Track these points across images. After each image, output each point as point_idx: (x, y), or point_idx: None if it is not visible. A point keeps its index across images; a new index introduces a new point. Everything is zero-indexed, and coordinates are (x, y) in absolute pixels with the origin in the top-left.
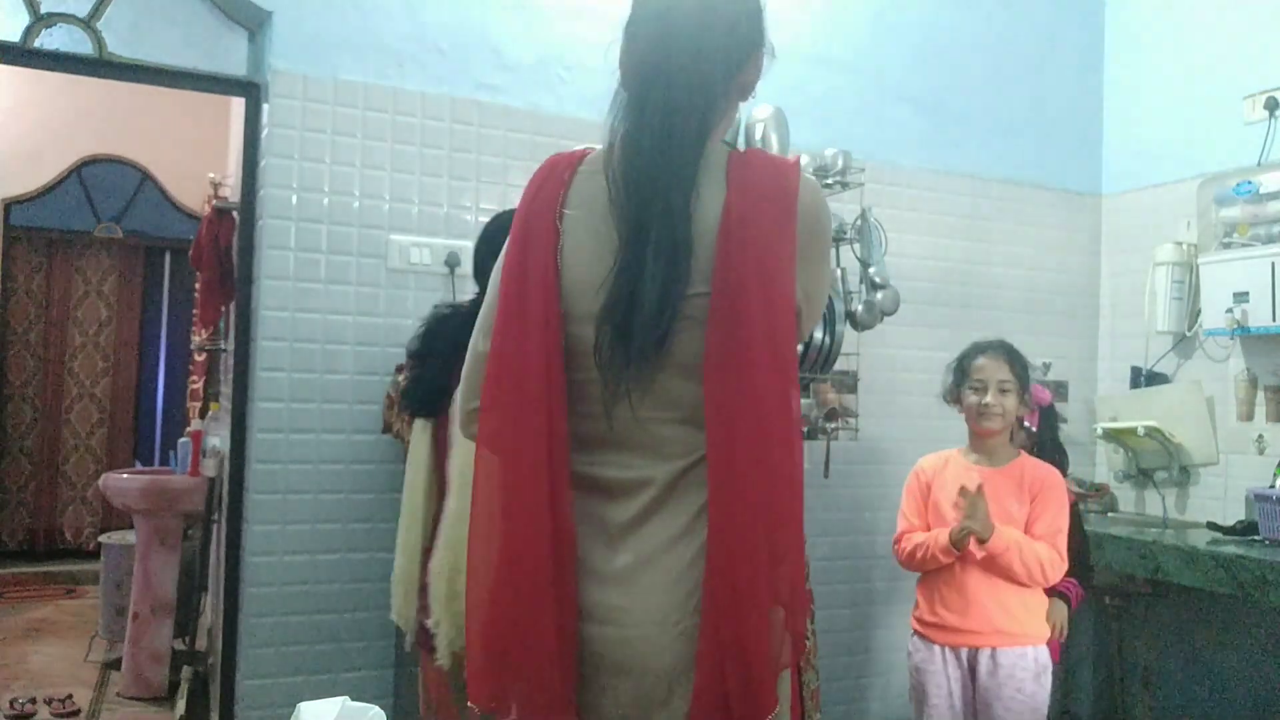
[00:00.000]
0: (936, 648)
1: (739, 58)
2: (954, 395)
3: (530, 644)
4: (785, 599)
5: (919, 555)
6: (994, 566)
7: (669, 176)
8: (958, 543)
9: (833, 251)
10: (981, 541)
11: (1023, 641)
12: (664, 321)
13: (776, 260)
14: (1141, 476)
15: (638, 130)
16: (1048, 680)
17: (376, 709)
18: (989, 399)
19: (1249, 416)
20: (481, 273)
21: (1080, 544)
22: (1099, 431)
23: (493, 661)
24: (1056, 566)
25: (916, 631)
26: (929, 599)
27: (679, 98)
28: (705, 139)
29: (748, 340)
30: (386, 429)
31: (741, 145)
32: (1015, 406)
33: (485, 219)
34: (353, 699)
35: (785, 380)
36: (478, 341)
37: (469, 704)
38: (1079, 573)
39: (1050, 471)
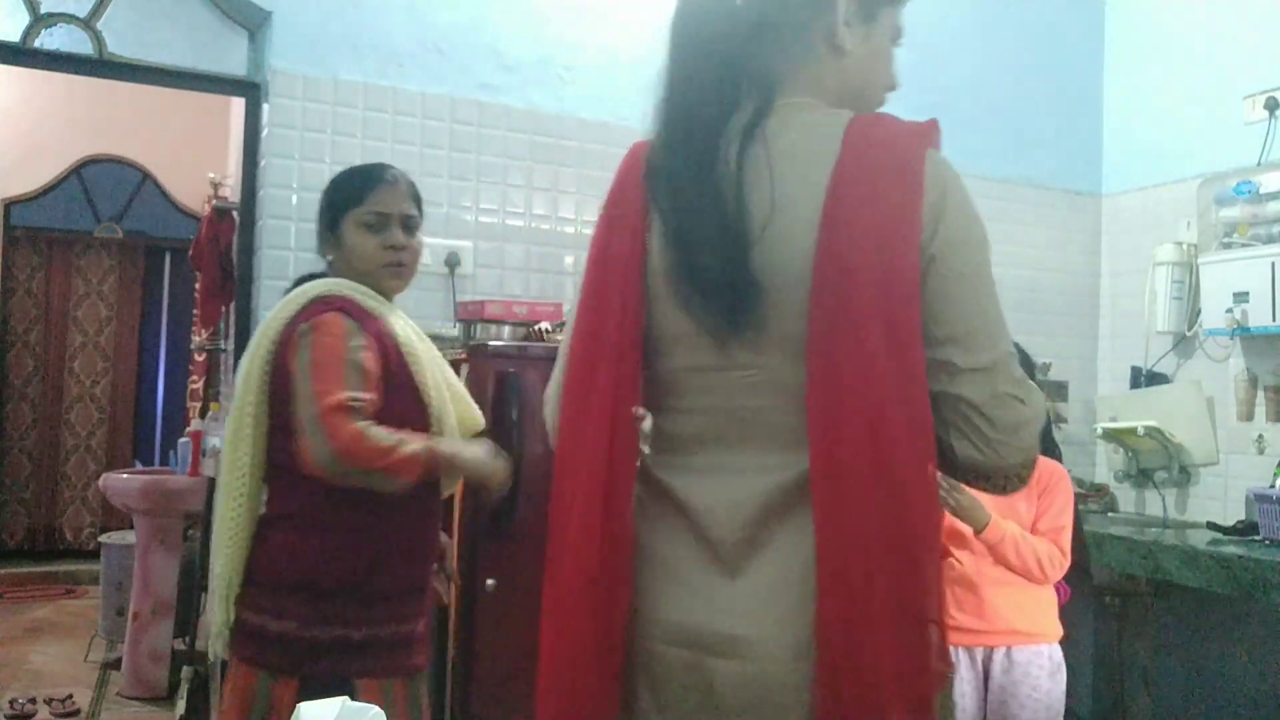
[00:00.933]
0: (952, 650)
1: (801, 14)
2: None
3: (575, 666)
4: (934, 614)
5: None
6: (993, 559)
7: (699, 144)
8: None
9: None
10: (976, 532)
11: (1038, 640)
12: (726, 294)
13: (896, 229)
14: (1141, 476)
15: (668, 102)
16: (1063, 678)
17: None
18: None
19: (1249, 416)
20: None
21: (1079, 546)
22: (1099, 431)
23: (548, 686)
24: (1057, 562)
25: None
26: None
27: (709, 65)
28: (750, 114)
29: (857, 318)
30: None
31: None
32: None
33: (485, 219)
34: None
35: (904, 365)
36: (562, 342)
37: None
38: (1073, 575)
39: (1055, 467)
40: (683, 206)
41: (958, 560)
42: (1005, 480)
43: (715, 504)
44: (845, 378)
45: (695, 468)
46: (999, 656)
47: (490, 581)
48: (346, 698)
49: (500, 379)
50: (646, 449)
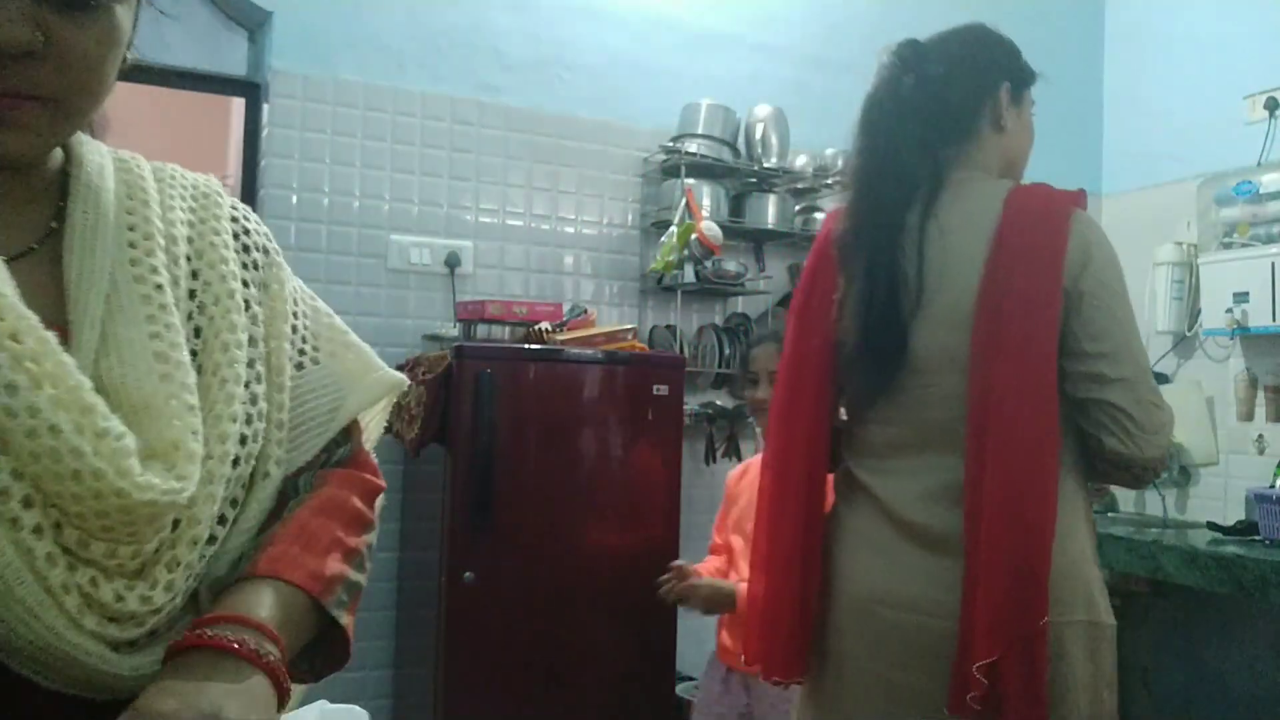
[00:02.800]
0: (719, 671)
1: (972, 102)
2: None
3: (776, 617)
4: (1039, 576)
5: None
6: None
7: (885, 218)
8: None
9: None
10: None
11: None
12: (897, 332)
13: (1044, 274)
14: None
15: (857, 181)
16: None
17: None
18: (760, 393)
19: (1249, 416)
20: None
21: None
22: None
23: (759, 632)
24: None
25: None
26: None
27: (884, 154)
28: (930, 179)
29: (1007, 344)
30: (387, 429)
31: (742, 146)
32: None
33: (485, 219)
34: (353, 700)
35: (1044, 380)
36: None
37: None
38: None
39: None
40: (872, 269)
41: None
42: (1144, 471)
43: (901, 495)
44: (994, 392)
45: (887, 469)
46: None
47: (468, 574)
48: (325, 700)
49: (477, 378)
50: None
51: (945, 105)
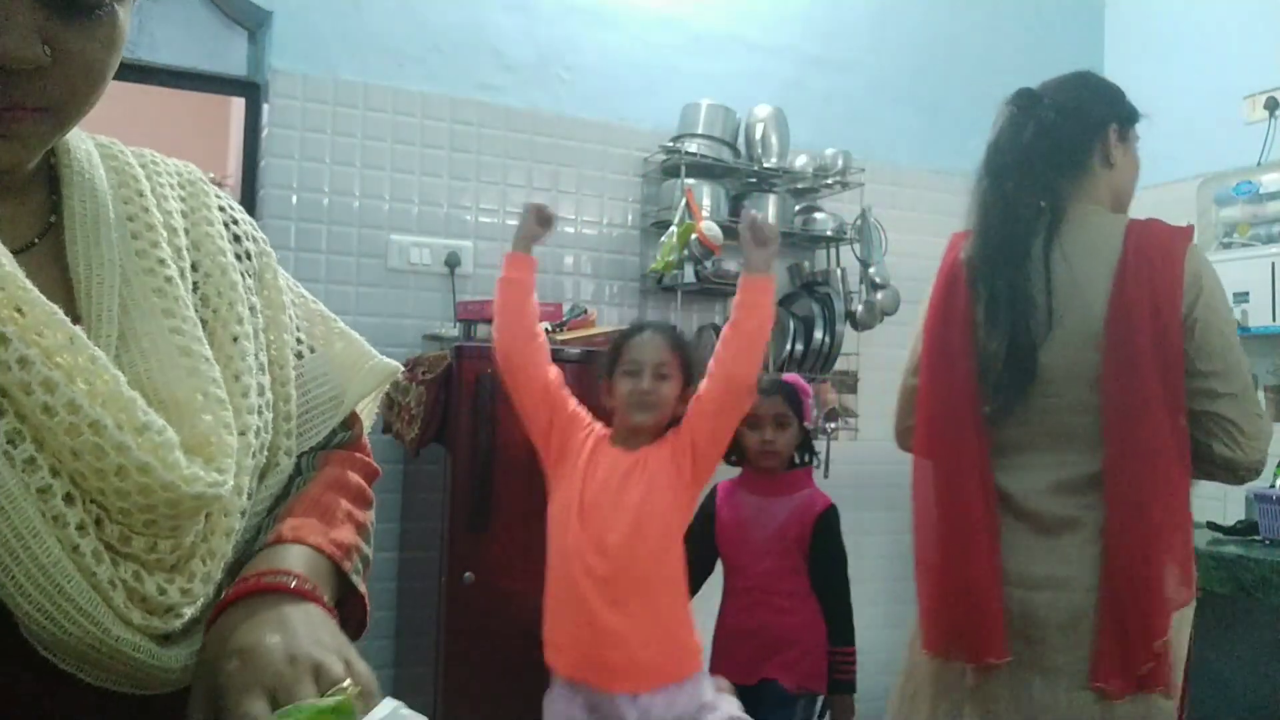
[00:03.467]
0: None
1: (1084, 142)
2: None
3: (975, 607)
4: (1179, 558)
5: None
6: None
7: (1013, 245)
8: None
9: (1221, 309)
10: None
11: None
12: (1031, 351)
13: (1166, 303)
14: None
15: (983, 215)
16: None
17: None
18: (645, 384)
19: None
20: None
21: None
22: None
23: (943, 624)
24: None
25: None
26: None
27: (1009, 191)
28: (1051, 212)
29: (1137, 361)
30: (387, 429)
31: (742, 146)
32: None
33: (485, 219)
34: None
35: (1168, 391)
36: (906, 377)
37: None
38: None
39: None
40: (1006, 294)
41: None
42: (1248, 472)
43: (1028, 488)
44: (1131, 402)
45: (1014, 465)
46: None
47: (468, 575)
48: (390, 698)
49: (477, 378)
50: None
51: (1060, 146)
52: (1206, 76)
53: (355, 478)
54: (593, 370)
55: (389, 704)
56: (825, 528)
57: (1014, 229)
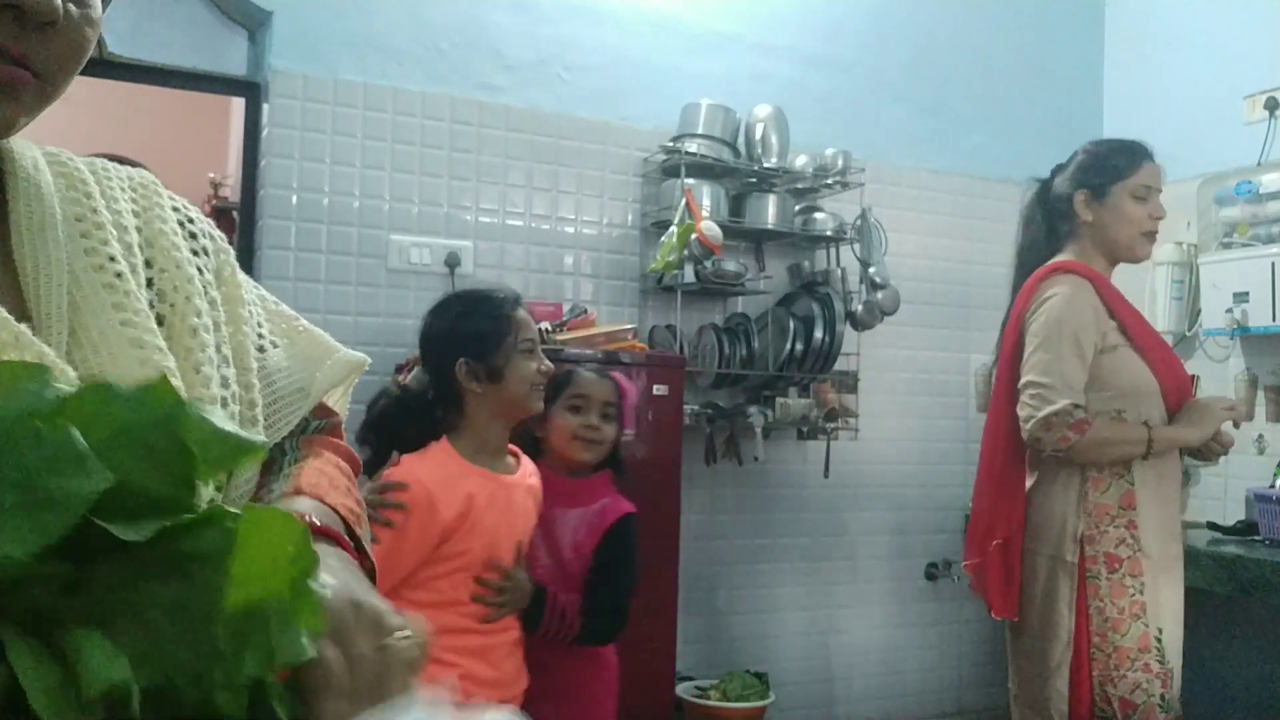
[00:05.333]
0: None
1: (1063, 209)
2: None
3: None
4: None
5: None
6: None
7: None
8: None
9: (1058, 334)
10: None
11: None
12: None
13: (1014, 325)
14: None
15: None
16: None
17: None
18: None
19: (1249, 417)
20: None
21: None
22: None
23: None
24: None
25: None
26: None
27: (1026, 246)
28: (1032, 265)
29: (1001, 361)
30: None
31: (742, 146)
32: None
33: (485, 219)
34: None
35: (1010, 383)
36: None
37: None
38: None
39: None
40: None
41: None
42: (1030, 439)
43: None
44: (995, 389)
45: None
46: None
47: None
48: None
49: None
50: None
51: (1035, 240)
52: (1206, 76)
53: (344, 464)
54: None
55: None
56: (617, 535)
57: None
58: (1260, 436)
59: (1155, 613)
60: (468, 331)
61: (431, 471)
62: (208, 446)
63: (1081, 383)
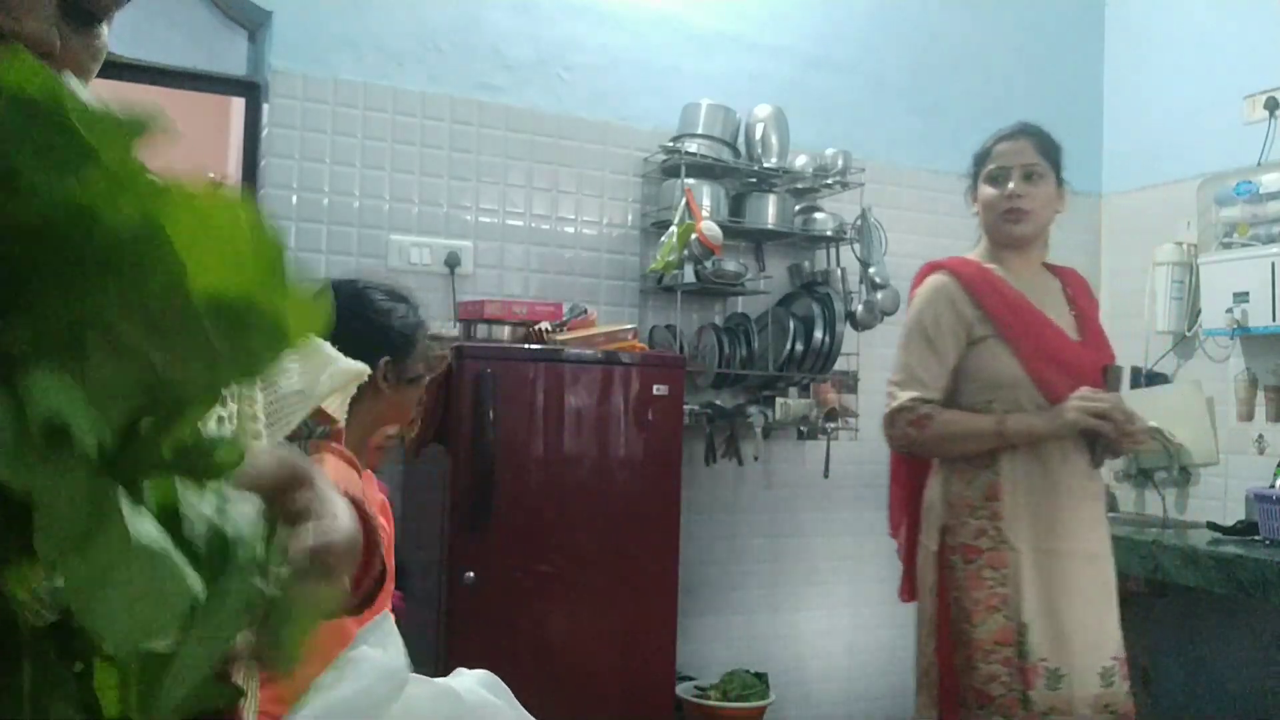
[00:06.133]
0: None
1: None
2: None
3: None
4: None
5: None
6: None
7: None
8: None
9: (914, 329)
10: None
11: None
12: None
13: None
14: (1141, 476)
15: None
16: None
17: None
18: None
19: (1249, 416)
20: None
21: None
22: None
23: None
24: None
25: None
26: None
27: None
28: None
29: None
30: None
31: (742, 146)
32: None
33: (485, 219)
34: None
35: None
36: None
37: None
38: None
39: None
40: None
41: None
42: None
43: None
44: None
45: None
46: None
47: (468, 574)
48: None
49: (477, 378)
50: None
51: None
52: (1206, 76)
53: (339, 465)
54: (592, 370)
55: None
56: None
57: None
58: (1260, 436)
59: (1020, 607)
60: (395, 328)
61: (352, 480)
62: (93, 123)
63: (935, 377)
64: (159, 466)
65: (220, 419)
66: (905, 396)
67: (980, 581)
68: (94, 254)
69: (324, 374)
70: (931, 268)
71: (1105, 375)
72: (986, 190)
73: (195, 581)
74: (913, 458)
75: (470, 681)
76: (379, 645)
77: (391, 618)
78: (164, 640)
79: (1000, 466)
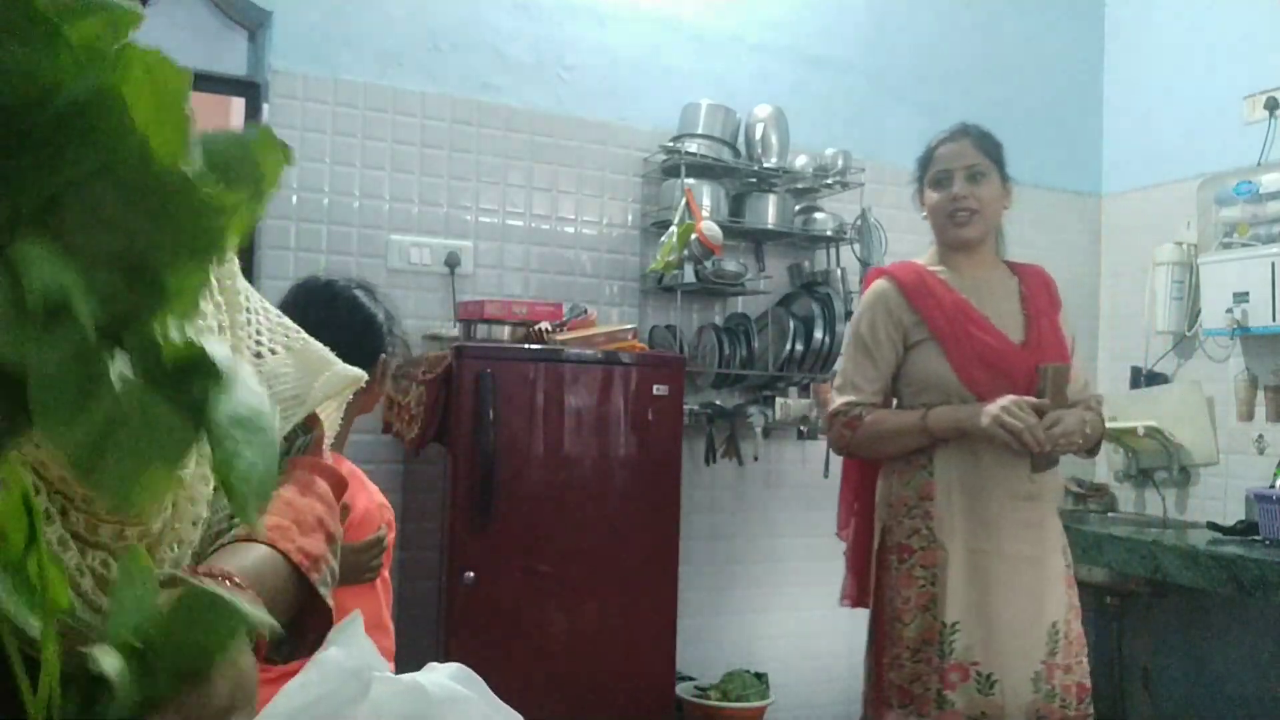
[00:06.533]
0: None
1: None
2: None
3: None
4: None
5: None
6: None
7: None
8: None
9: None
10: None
11: None
12: None
13: None
14: (1141, 476)
15: None
16: None
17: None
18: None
19: (1249, 416)
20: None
21: None
22: None
23: None
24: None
25: None
26: None
27: None
28: None
29: None
30: (387, 429)
31: (742, 146)
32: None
33: (485, 219)
34: None
35: None
36: None
37: None
38: None
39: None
40: None
41: None
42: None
43: None
44: None
45: None
46: None
47: (468, 574)
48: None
49: (477, 378)
50: None
51: None
52: (1206, 76)
53: (323, 485)
54: (592, 370)
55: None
56: None
57: None
58: (1260, 436)
59: (946, 606)
60: (384, 325)
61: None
62: (55, 3)
63: (870, 381)
64: (146, 337)
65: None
66: (840, 401)
67: (912, 580)
68: (62, 127)
69: (319, 379)
70: (876, 274)
71: (1039, 377)
72: (932, 194)
73: (187, 428)
74: (862, 460)
75: (440, 676)
76: (345, 646)
77: (360, 618)
78: (168, 495)
79: (934, 466)
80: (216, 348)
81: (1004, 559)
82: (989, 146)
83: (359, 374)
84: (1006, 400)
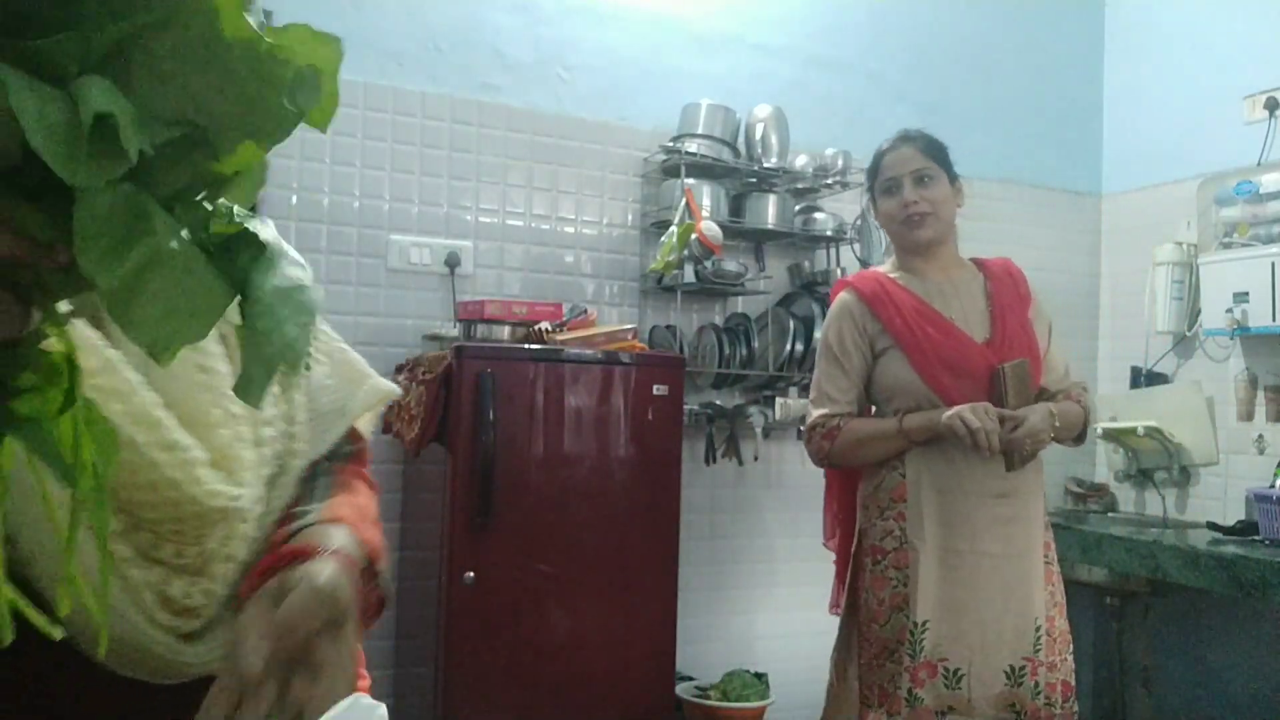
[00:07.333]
0: None
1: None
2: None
3: None
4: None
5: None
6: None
7: None
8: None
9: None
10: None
11: None
12: None
13: None
14: (1141, 476)
15: None
16: None
17: (381, 707)
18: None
19: (1249, 416)
20: None
21: None
22: (1099, 431)
23: None
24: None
25: None
26: None
27: None
28: None
29: None
30: (387, 429)
31: (742, 146)
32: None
33: (485, 219)
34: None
35: None
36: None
37: None
38: None
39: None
40: None
41: None
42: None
43: None
44: None
45: None
46: None
47: (468, 574)
48: (360, 694)
49: (477, 378)
50: None
51: None
52: (1206, 76)
53: (372, 495)
54: (592, 370)
55: (350, 698)
56: None
57: None
58: (1260, 436)
59: (917, 605)
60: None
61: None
62: None
63: (843, 391)
64: (196, 207)
65: (269, 439)
66: (817, 413)
67: (885, 582)
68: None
69: (359, 392)
70: (840, 285)
71: (1002, 378)
72: (884, 203)
73: (225, 289)
74: (843, 469)
75: None
76: None
77: (384, 710)
78: (196, 341)
79: (906, 468)
80: (262, 228)
81: (977, 556)
82: (933, 150)
83: (392, 389)
84: (971, 408)
